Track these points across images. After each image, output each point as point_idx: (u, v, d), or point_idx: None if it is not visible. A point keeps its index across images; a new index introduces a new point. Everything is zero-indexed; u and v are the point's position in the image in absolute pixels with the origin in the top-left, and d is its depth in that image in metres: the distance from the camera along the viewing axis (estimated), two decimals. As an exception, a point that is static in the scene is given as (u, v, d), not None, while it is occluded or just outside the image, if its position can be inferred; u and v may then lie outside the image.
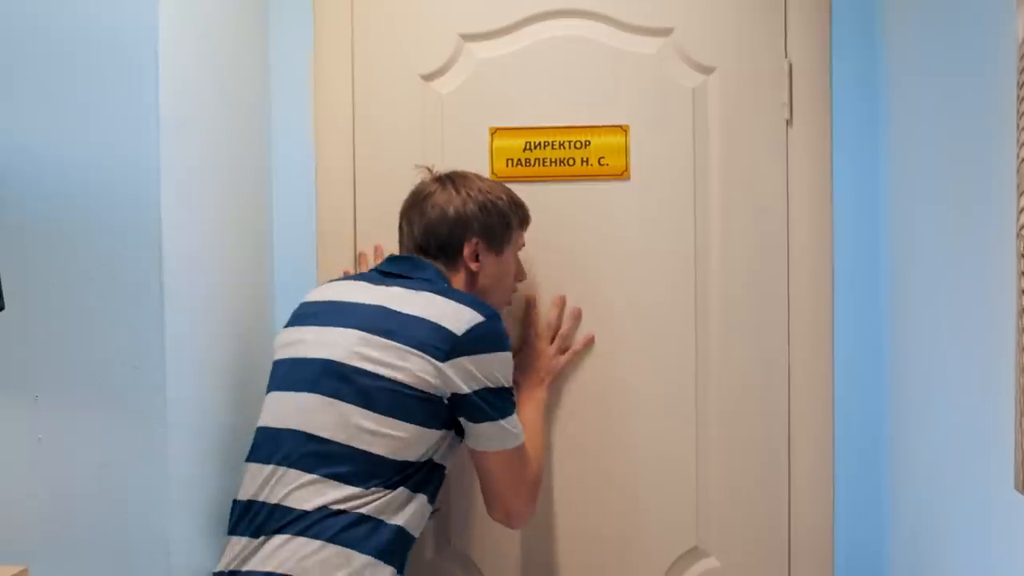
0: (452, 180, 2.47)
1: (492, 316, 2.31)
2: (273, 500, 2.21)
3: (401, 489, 2.24)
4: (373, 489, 2.20)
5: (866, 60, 2.67)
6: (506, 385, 2.32)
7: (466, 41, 2.78)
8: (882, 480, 2.65)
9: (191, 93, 2.25)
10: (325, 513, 2.17)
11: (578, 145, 2.74)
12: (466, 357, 2.25)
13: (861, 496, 2.70)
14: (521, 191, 2.71)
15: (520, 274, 2.58)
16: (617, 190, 2.75)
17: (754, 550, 2.75)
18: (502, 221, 2.47)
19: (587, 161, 2.75)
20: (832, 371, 2.70)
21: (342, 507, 2.18)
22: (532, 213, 2.67)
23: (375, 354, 2.24)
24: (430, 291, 2.33)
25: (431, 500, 2.33)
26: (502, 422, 2.30)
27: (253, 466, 2.27)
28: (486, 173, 2.72)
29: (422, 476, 2.28)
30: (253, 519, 2.22)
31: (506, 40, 2.78)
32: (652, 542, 2.76)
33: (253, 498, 2.24)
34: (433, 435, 2.27)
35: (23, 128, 2.09)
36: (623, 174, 2.74)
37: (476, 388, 2.26)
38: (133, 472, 2.12)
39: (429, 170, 2.52)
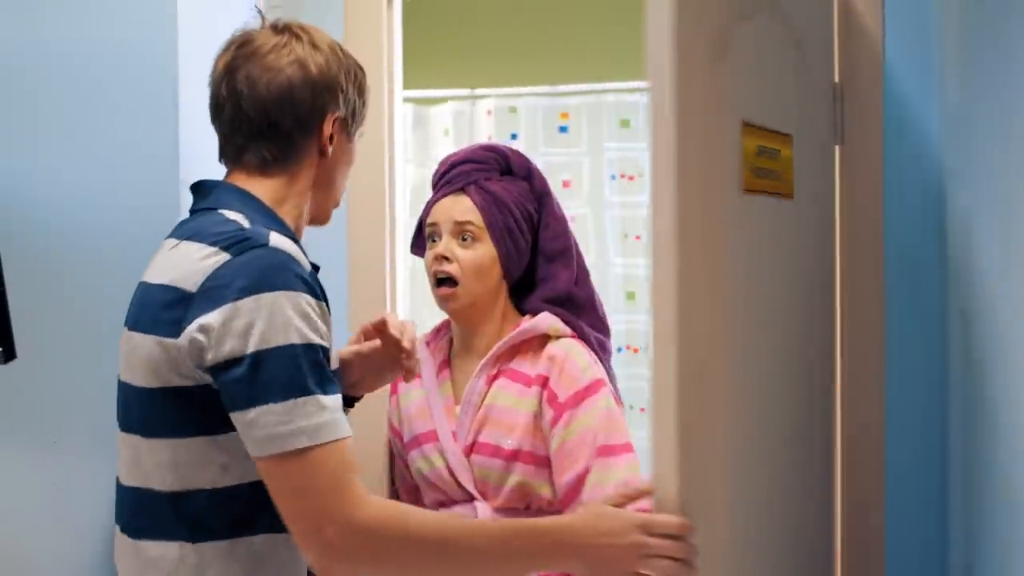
0: (306, 32, 1.78)
1: (254, 245, 1.58)
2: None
3: (212, 543, 1.60)
4: (188, 543, 1.60)
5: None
6: (285, 343, 1.53)
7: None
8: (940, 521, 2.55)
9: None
10: None
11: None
12: (207, 315, 1.53)
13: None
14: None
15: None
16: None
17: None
18: (361, 97, 1.84)
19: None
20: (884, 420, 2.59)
21: None
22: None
23: (125, 356, 1.66)
24: (187, 235, 1.65)
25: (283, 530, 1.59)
26: (275, 406, 1.51)
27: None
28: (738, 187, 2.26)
29: (245, 507, 1.60)
30: None
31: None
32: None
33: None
34: (230, 441, 1.58)
35: (41, 162, 2.05)
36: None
37: (228, 357, 1.53)
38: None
39: (262, 15, 1.83)
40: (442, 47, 4.51)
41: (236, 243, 1.58)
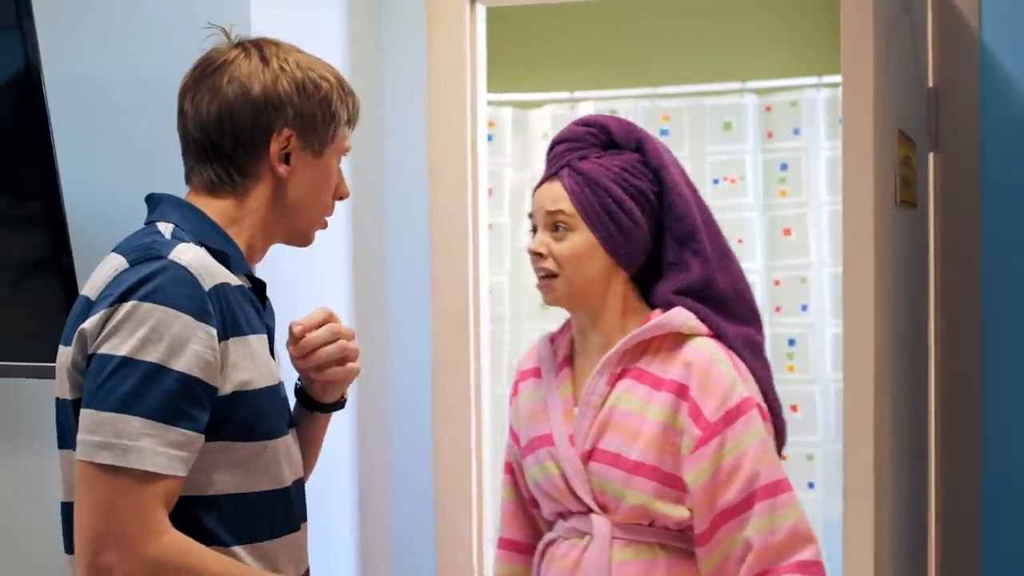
0: (259, 47, 1.71)
1: (153, 256, 1.55)
2: None
3: None
4: None
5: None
6: (136, 356, 1.48)
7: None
8: None
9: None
10: None
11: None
12: (92, 318, 1.52)
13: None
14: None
15: (342, 188, 1.79)
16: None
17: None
18: (326, 110, 1.72)
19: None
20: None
21: None
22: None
23: (56, 371, 1.63)
24: (117, 246, 1.64)
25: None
26: (98, 413, 1.48)
27: None
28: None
29: (184, 522, 1.54)
30: None
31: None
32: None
33: None
34: None
35: (116, 177, 2.08)
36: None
37: (89, 353, 1.53)
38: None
39: (227, 34, 1.75)
40: (542, 50, 4.48)
41: (138, 252, 1.56)
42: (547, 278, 1.94)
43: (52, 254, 2.02)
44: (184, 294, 1.51)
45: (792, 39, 4.26)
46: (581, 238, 1.91)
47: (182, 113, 1.68)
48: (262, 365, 1.61)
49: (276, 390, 1.65)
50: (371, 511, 2.70)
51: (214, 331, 1.53)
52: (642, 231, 1.92)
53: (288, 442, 1.67)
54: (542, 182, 1.96)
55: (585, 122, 1.98)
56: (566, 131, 1.99)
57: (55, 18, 2.11)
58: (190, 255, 1.55)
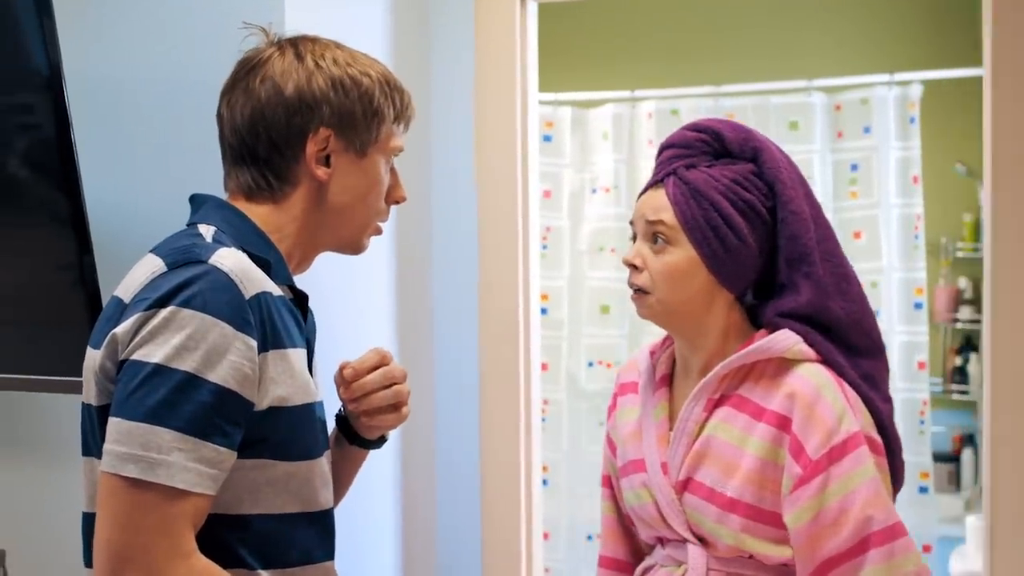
0: (295, 45, 1.63)
1: (192, 260, 1.47)
2: None
3: None
4: None
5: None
6: (172, 365, 1.40)
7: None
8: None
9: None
10: None
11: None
12: (125, 322, 1.44)
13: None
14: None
15: (397, 192, 1.70)
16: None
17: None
18: (367, 106, 1.62)
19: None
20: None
21: None
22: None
23: (84, 375, 1.55)
24: (155, 247, 1.57)
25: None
26: (125, 423, 1.40)
27: None
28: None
29: (210, 540, 1.47)
30: None
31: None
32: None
33: None
34: None
35: (139, 180, 2.04)
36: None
37: (121, 358, 1.44)
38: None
39: (265, 32, 1.67)
40: (602, 48, 4.40)
41: (177, 255, 1.48)
42: (640, 292, 1.81)
43: (76, 259, 1.96)
44: (224, 301, 1.43)
45: (860, 35, 4.14)
46: (682, 253, 1.78)
47: (219, 116, 1.62)
48: (300, 381, 1.52)
49: (313, 408, 1.56)
50: (415, 527, 2.62)
51: (254, 343, 1.45)
52: (750, 249, 1.78)
53: (324, 464, 1.58)
54: (647, 188, 1.84)
55: (697, 127, 1.84)
56: (675, 136, 1.85)
57: (77, 18, 2.06)
58: (231, 260, 1.47)
